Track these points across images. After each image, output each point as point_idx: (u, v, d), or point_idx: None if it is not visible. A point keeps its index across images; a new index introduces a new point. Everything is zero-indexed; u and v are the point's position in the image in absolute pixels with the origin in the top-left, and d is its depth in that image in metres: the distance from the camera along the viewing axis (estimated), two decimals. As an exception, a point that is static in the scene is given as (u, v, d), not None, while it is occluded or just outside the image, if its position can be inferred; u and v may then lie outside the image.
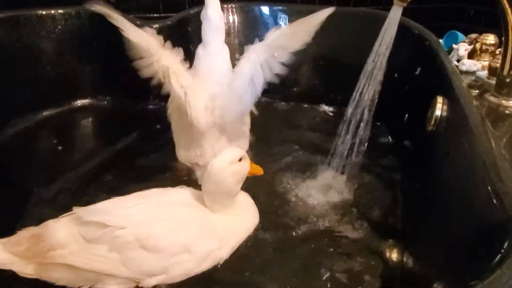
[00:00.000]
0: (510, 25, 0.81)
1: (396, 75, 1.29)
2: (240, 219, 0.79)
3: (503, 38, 0.86)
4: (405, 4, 0.85)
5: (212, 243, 0.72)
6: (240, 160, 0.76)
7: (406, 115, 1.23)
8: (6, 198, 0.92)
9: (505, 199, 0.47)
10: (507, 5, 0.79)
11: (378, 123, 1.29)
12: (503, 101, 0.90)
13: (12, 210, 0.90)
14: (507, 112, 0.88)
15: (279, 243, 0.83)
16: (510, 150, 0.70)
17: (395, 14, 0.86)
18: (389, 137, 1.29)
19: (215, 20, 0.95)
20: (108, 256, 0.65)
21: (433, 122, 0.88)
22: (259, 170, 0.80)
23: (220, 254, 0.73)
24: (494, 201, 0.48)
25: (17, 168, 1.06)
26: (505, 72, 0.87)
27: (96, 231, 0.65)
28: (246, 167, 0.77)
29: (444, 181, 0.75)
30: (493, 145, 0.62)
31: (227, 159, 0.74)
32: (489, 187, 0.52)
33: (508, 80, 0.87)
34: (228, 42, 1.47)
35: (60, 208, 0.88)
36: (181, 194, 0.77)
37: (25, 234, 0.67)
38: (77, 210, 0.68)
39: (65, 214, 0.70)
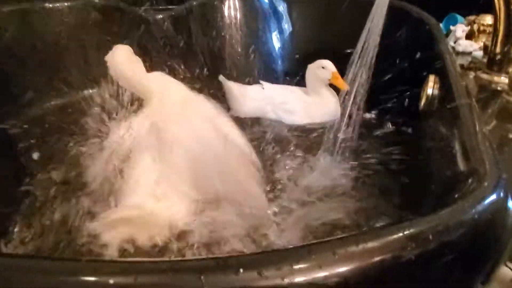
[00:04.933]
0: (499, 5, 0.81)
1: (397, 61, 1.30)
2: None
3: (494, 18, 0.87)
4: (392, -13, 0.86)
5: None
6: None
7: (406, 100, 1.23)
8: (8, 183, 0.95)
9: (471, 156, 0.51)
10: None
11: (378, 109, 1.29)
12: (495, 78, 0.90)
13: (17, 194, 0.92)
14: (498, 88, 0.88)
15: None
16: (494, 124, 0.72)
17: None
18: (389, 123, 1.28)
19: None
20: None
21: (424, 100, 0.89)
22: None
23: None
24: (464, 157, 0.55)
25: (26, 155, 1.10)
26: (497, 49, 0.87)
27: None
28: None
29: (432, 147, 0.77)
30: (475, 119, 0.64)
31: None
32: (466, 147, 0.58)
33: (498, 57, 0.88)
34: (230, 34, 1.52)
35: (64, 189, 0.91)
36: None
37: None
38: None
39: None
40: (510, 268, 0.49)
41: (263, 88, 1.24)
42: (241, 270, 0.29)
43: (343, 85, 1.09)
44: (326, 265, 0.31)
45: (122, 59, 0.81)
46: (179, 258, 0.31)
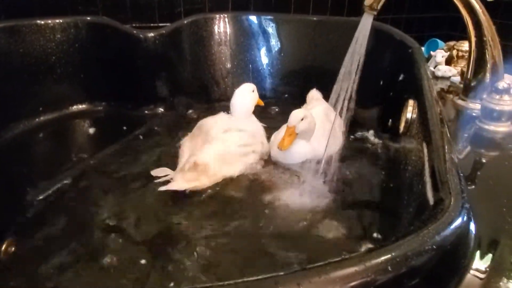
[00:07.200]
0: (472, 35, 0.85)
1: (381, 82, 1.34)
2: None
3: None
4: (375, 13, 0.89)
5: None
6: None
7: (390, 120, 1.26)
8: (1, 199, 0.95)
9: (439, 185, 0.55)
10: (469, 20, 0.83)
11: (364, 129, 1.31)
12: (470, 104, 0.94)
13: (4, 211, 0.92)
14: (473, 114, 0.92)
15: (256, 244, 0.83)
16: (469, 149, 0.75)
17: (366, 22, 0.91)
18: (376, 141, 1.30)
19: None
20: None
21: (403, 124, 0.92)
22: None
23: None
24: (432, 185, 0.58)
25: (13, 170, 1.10)
26: (470, 76, 0.91)
27: None
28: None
29: (408, 170, 0.80)
30: (445, 144, 0.67)
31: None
32: (435, 176, 0.60)
33: (473, 83, 0.91)
34: (220, 51, 1.55)
35: (51, 207, 0.93)
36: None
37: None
38: None
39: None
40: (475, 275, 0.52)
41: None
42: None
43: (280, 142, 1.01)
44: (291, 295, 0.33)
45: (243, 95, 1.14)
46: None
